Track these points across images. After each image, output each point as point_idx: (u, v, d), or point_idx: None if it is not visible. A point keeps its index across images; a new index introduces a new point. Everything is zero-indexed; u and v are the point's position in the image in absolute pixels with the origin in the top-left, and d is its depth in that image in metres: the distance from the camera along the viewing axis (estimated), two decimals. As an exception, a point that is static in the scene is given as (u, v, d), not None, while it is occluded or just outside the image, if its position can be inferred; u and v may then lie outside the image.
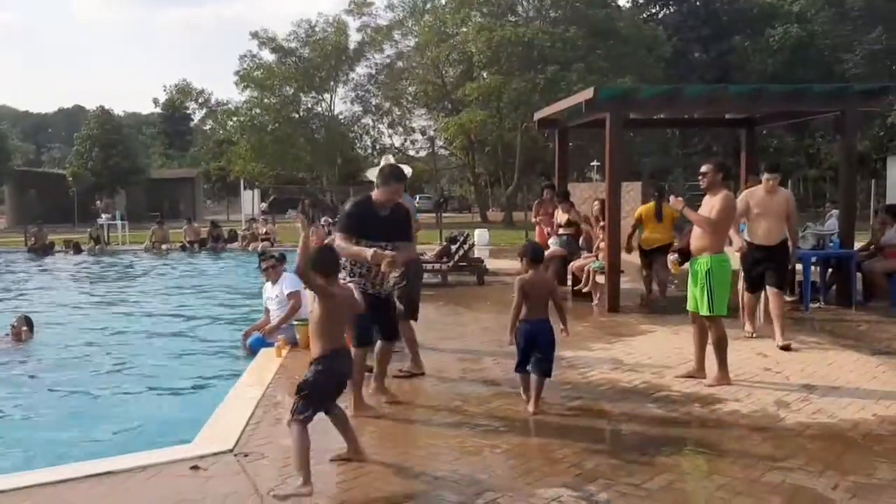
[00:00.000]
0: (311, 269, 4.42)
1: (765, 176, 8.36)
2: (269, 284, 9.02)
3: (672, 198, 6.80)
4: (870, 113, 27.26)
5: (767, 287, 8.18)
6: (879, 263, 10.64)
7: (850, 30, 38.67)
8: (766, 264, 8.16)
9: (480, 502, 4.13)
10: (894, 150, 31.49)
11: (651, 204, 11.18)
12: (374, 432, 5.43)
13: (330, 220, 22.50)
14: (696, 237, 6.54)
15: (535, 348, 5.75)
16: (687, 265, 6.78)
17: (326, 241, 15.42)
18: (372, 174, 6.62)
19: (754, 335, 8.35)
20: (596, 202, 11.70)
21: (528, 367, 5.80)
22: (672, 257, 7.73)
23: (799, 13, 41.17)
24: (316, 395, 4.40)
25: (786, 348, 7.67)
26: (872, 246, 11.23)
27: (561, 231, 11.75)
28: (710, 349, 6.57)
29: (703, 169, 6.66)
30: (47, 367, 8.61)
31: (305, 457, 4.24)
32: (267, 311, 9.08)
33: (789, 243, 8.42)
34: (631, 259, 11.86)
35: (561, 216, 11.73)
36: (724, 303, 6.46)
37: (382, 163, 7.53)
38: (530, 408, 5.72)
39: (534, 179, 39.56)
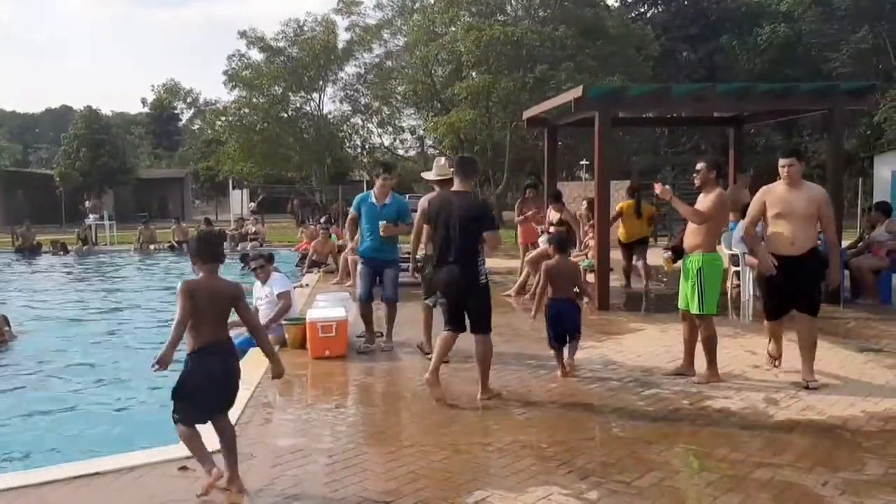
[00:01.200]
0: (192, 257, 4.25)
1: (780, 162, 6.41)
2: (258, 284, 9.01)
3: (659, 185, 6.76)
4: (857, 111, 27.40)
5: (797, 313, 6.42)
6: (867, 261, 10.69)
7: (836, 29, 38.77)
8: (793, 281, 6.29)
9: (471, 501, 4.12)
10: (881, 149, 31.65)
11: (631, 201, 11.97)
12: (363, 431, 5.42)
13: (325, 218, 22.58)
14: (690, 235, 6.57)
15: (562, 324, 6.73)
16: (680, 263, 6.80)
17: (315, 242, 15.34)
18: (429, 175, 7.71)
19: (777, 364, 6.94)
20: (584, 201, 11.79)
21: (560, 341, 6.78)
22: (665, 255, 7.81)
23: (786, 12, 41.28)
24: (186, 395, 4.12)
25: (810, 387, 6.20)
26: (861, 243, 11.29)
27: (552, 230, 11.74)
28: (699, 347, 6.59)
29: (697, 167, 6.69)
30: (32, 367, 8.56)
31: (200, 451, 4.22)
32: (255, 309, 9.07)
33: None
34: (620, 258, 11.92)
35: (553, 215, 11.74)
36: (715, 302, 6.48)
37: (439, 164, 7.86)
38: (563, 370, 6.77)
39: (523, 178, 39.51)
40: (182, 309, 4.07)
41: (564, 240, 7.32)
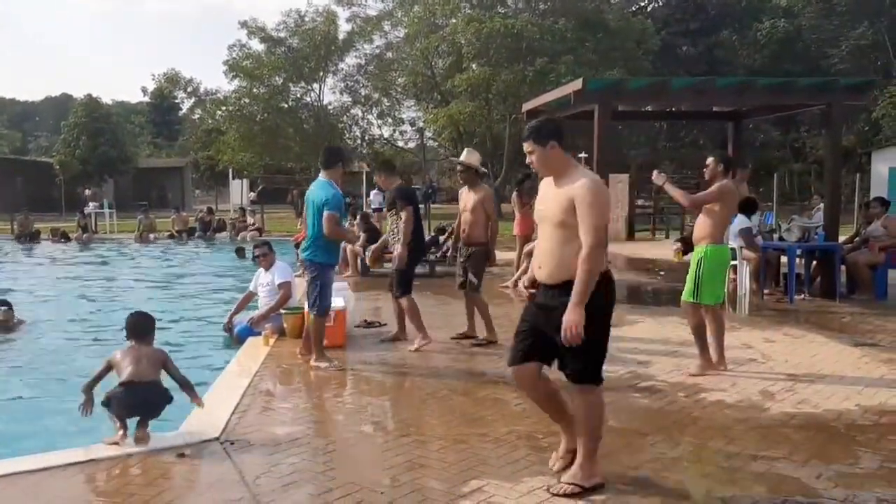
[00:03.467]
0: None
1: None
2: (261, 271, 9.07)
3: (655, 172, 6.98)
4: (855, 108, 27.40)
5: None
6: (863, 256, 10.72)
7: (836, 25, 38.78)
8: (542, 325, 4.16)
9: (467, 490, 4.14)
10: (879, 145, 31.68)
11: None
12: (360, 420, 5.44)
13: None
14: (697, 226, 6.63)
15: None
16: (690, 255, 6.82)
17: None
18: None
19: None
20: None
21: None
22: (675, 246, 7.90)
23: (786, 7, 41.30)
24: (114, 408, 4.90)
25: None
26: (857, 238, 11.31)
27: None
28: (695, 340, 6.61)
29: (707, 161, 6.73)
30: (31, 355, 8.57)
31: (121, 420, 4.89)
32: (249, 294, 9.14)
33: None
34: (618, 251, 11.94)
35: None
36: (714, 293, 6.47)
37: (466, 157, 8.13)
38: None
39: (521, 171, 39.54)
40: (101, 369, 5.16)
41: None
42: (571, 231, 3.98)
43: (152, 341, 5.36)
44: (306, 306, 7.28)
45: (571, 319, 3.88)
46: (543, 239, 4.18)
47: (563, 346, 3.97)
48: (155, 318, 5.66)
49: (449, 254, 9.68)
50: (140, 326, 5.35)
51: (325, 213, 6.74)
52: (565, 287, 3.98)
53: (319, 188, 6.94)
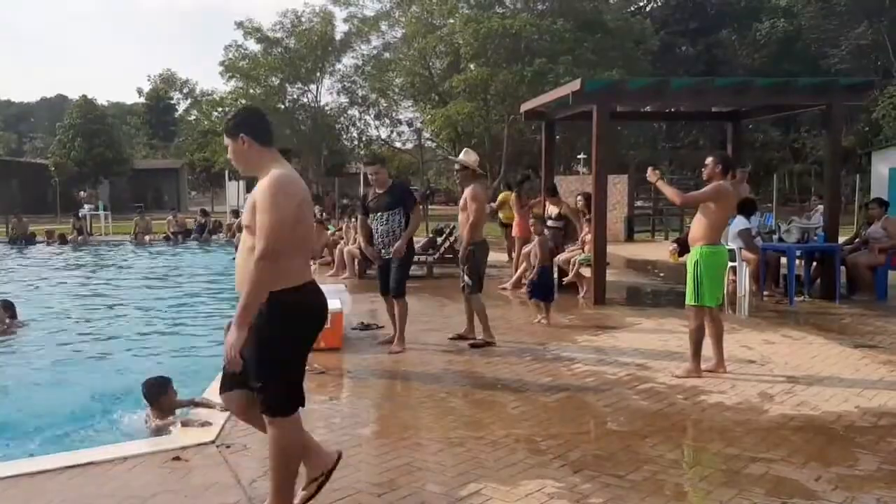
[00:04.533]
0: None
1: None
2: None
3: (650, 169, 6.98)
4: (855, 108, 27.39)
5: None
6: (863, 257, 10.70)
7: (835, 25, 38.79)
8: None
9: (464, 493, 4.12)
10: (879, 146, 31.67)
11: (513, 192, 13.22)
12: (357, 423, 5.41)
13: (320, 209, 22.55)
14: (692, 227, 6.59)
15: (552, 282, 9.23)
16: (686, 257, 6.79)
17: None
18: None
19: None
20: (580, 196, 11.77)
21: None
22: (671, 247, 7.89)
23: (786, 7, 41.32)
24: None
25: None
26: (857, 239, 11.29)
27: (550, 223, 11.72)
28: (697, 341, 6.58)
29: (706, 161, 6.70)
30: (30, 358, 8.54)
31: None
32: None
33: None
34: (617, 252, 11.91)
35: (551, 209, 11.74)
36: (714, 294, 6.44)
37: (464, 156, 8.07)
38: (546, 321, 8.73)
39: (520, 172, 39.49)
40: None
41: (545, 221, 10.10)
42: (256, 238, 3.44)
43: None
44: None
45: (229, 341, 3.42)
46: (240, 247, 3.72)
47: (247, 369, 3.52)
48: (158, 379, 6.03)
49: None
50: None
51: None
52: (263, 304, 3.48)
53: None
